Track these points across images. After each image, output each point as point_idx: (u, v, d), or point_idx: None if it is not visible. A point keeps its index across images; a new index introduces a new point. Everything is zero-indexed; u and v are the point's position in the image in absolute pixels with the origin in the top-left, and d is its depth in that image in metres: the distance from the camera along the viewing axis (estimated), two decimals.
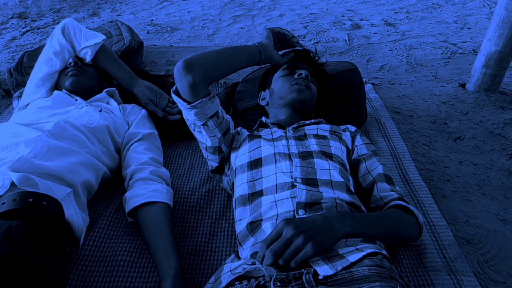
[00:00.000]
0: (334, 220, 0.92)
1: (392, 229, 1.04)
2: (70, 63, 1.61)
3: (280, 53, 1.44)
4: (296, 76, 1.42)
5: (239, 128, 1.41)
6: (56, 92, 1.56)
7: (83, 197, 1.22)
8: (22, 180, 1.05)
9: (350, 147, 1.32)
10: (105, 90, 1.64)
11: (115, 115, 1.52)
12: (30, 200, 0.99)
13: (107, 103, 1.60)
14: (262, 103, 1.55)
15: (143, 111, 1.63)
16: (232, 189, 1.25)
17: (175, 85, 1.20)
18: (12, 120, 1.42)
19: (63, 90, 1.57)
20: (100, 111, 1.47)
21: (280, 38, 1.40)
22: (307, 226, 0.89)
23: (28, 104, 1.58)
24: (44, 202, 1.01)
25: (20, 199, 0.99)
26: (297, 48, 1.49)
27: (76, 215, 1.09)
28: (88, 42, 1.62)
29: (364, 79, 1.88)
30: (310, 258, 0.86)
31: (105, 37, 1.67)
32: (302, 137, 1.27)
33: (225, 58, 1.23)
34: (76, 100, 1.51)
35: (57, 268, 0.99)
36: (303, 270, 0.84)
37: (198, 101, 1.16)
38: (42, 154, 1.17)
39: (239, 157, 1.25)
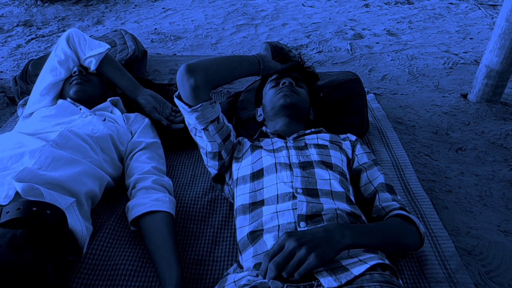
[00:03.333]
0: (334, 232, 0.93)
1: (392, 238, 1.05)
2: (75, 72, 1.63)
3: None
4: (280, 86, 1.47)
5: (240, 138, 1.42)
6: (60, 101, 1.58)
7: (87, 206, 1.22)
8: (26, 190, 1.06)
9: (350, 156, 1.33)
10: (109, 99, 1.65)
11: (118, 124, 1.53)
12: (34, 209, 1.00)
13: (111, 112, 1.61)
14: (259, 119, 1.59)
15: (146, 120, 1.64)
16: (233, 198, 1.25)
17: (178, 90, 1.23)
18: (17, 129, 1.43)
19: (68, 99, 1.58)
20: (104, 120, 1.49)
21: (278, 52, 1.43)
22: (308, 238, 0.90)
23: (32, 113, 1.60)
24: (48, 211, 1.02)
25: (24, 208, 1.00)
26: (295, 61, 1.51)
27: (79, 224, 1.10)
28: (93, 52, 1.64)
29: (366, 89, 1.89)
30: (314, 269, 0.87)
31: (109, 46, 1.69)
32: (303, 147, 1.28)
33: (226, 65, 1.29)
34: (80, 109, 1.52)
35: (60, 276, 1.00)
36: (313, 282, 0.84)
37: (199, 105, 1.19)
38: (46, 164, 1.18)
39: (242, 168, 1.26)
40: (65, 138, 1.31)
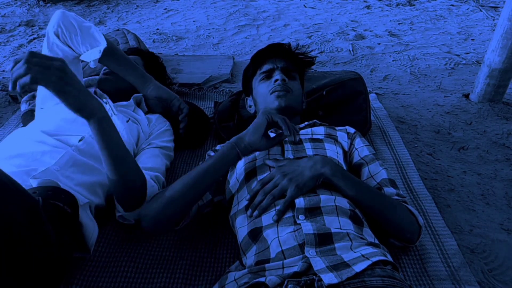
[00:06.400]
0: (318, 162, 1.08)
1: (381, 205, 1.09)
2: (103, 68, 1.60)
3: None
4: (273, 82, 1.38)
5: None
6: None
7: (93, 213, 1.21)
8: (43, 183, 1.06)
9: (346, 148, 1.32)
10: (132, 97, 1.61)
11: (141, 127, 1.49)
12: (49, 192, 1.00)
13: (133, 111, 1.56)
14: (251, 111, 1.54)
15: (167, 124, 1.61)
16: (230, 206, 1.22)
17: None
18: (38, 125, 1.38)
19: (96, 90, 1.54)
20: (128, 121, 1.45)
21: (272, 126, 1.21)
22: (292, 169, 1.08)
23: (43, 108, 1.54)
24: (62, 196, 1.02)
25: (39, 191, 1.00)
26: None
27: (91, 223, 1.08)
28: (88, 55, 1.44)
29: (368, 89, 1.89)
30: (295, 198, 1.02)
31: (105, 45, 1.48)
32: (298, 142, 1.27)
33: (200, 184, 1.13)
34: (106, 103, 1.46)
35: (63, 243, 0.97)
36: (314, 277, 0.84)
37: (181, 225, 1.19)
38: (66, 168, 1.16)
39: (237, 174, 1.24)
40: (88, 145, 1.27)
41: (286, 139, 1.23)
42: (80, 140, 1.28)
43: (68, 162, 1.18)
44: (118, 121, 1.38)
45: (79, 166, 1.20)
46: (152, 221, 1.11)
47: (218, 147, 1.44)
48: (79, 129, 1.32)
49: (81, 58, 1.46)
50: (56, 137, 1.28)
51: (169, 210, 1.10)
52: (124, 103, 1.56)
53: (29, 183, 1.06)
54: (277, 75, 1.38)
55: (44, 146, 1.22)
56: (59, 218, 0.98)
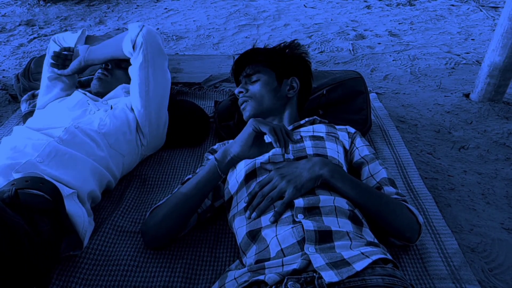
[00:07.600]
0: (316, 164, 1.07)
1: (380, 205, 1.08)
2: (102, 65, 1.62)
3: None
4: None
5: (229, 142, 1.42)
6: (74, 94, 1.55)
7: (88, 204, 1.21)
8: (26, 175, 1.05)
9: (347, 147, 1.32)
10: (119, 86, 1.59)
11: (127, 109, 1.49)
12: (27, 182, 0.99)
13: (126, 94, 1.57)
14: None
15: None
16: (229, 206, 1.22)
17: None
18: (28, 123, 1.43)
19: (80, 90, 1.57)
20: (111, 108, 1.45)
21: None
22: (290, 171, 1.07)
23: (47, 104, 1.58)
24: (41, 184, 1.01)
25: (17, 182, 1.00)
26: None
27: (79, 209, 1.08)
28: (72, 42, 1.63)
29: (368, 88, 1.89)
30: (294, 199, 1.01)
31: (79, 32, 1.66)
32: (298, 140, 1.27)
33: (188, 205, 1.15)
34: (89, 104, 1.48)
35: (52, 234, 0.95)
36: (314, 274, 0.84)
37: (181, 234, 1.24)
38: (49, 160, 1.17)
39: (237, 175, 1.23)
40: (71, 134, 1.28)
41: (279, 150, 1.16)
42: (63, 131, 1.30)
43: (50, 153, 1.18)
44: (101, 112, 1.43)
45: (62, 156, 1.20)
46: (152, 238, 1.18)
47: (216, 146, 1.43)
48: (63, 121, 1.36)
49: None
50: (41, 131, 1.30)
51: (166, 226, 1.15)
52: (112, 93, 1.57)
53: (12, 177, 1.06)
54: (235, 90, 1.45)
55: (28, 141, 1.23)
56: (38, 207, 0.96)
